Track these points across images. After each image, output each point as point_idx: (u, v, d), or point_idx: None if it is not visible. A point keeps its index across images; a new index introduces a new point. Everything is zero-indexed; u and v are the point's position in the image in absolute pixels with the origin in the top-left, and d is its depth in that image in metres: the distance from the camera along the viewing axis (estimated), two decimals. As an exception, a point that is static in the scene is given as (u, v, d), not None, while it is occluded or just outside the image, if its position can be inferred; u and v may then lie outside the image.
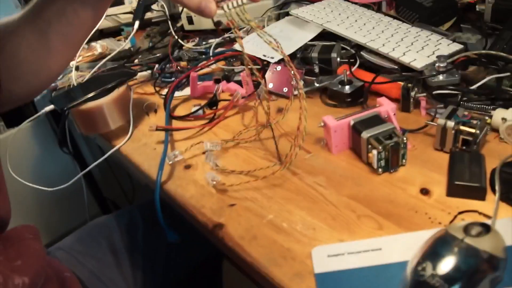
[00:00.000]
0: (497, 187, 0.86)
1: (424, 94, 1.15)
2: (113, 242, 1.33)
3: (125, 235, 1.35)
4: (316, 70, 1.38)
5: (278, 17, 1.78)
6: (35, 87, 1.09)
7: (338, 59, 1.36)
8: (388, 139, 0.97)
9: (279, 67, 1.38)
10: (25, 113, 1.82)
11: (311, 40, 1.49)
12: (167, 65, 1.62)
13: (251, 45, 1.53)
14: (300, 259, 0.83)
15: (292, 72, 0.99)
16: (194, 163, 1.15)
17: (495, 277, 0.69)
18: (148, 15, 2.09)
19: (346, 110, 1.21)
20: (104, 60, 1.68)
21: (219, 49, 1.65)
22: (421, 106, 1.16)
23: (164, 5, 1.92)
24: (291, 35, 1.53)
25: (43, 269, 0.94)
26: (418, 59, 1.22)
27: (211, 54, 1.62)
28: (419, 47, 1.27)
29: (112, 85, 1.31)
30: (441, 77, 1.14)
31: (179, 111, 1.39)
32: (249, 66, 1.03)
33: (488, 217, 0.84)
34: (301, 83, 1.06)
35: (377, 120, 1.03)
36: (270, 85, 1.36)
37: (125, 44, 1.69)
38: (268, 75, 1.38)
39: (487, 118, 1.04)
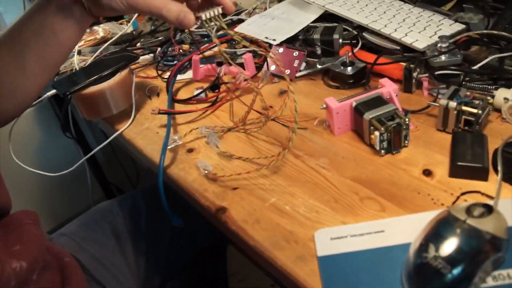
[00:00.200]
0: (499, 168, 0.86)
1: (426, 74, 1.15)
2: (116, 227, 1.33)
3: (128, 219, 1.35)
4: (318, 51, 1.38)
5: (280, -1, 1.78)
6: (10, 111, 1.07)
7: (340, 40, 1.36)
8: (390, 120, 0.97)
9: (281, 49, 1.38)
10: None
11: (313, 22, 1.48)
12: (169, 48, 1.61)
13: (253, 27, 1.53)
14: (303, 242, 0.84)
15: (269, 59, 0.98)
16: (196, 146, 1.15)
17: (497, 258, 0.69)
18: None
19: (349, 92, 1.21)
20: (106, 44, 1.68)
21: (221, 32, 1.65)
22: (423, 86, 1.15)
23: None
24: (293, 17, 1.53)
25: (42, 255, 0.94)
26: (420, 40, 1.21)
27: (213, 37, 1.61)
28: (421, 28, 1.26)
29: (114, 69, 1.31)
30: (443, 57, 1.14)
31: (182, 95, 1.39)
32: (229, 62, 1.04)
33: (491, 197, 0.84)
34: (288, 71, 1.05)
35: (379, 101, 1.02)
36: (272, 67, 1.36)
37: (127, 28, 1.69)
38: (270, 57, 1.38)
39: (489, 98, 1.03)
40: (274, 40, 1.43)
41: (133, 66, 1.53)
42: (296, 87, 1.27)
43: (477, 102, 0.97)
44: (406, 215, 0.84)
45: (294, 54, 1.34)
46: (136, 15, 1.63)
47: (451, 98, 0.99)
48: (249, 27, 1.53)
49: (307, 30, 1.44)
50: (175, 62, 1.54)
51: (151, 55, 1.62)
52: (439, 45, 1.15)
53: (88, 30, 1.85)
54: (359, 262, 0.78)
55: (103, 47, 1.67)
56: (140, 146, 1.20)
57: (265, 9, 1.70)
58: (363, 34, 1.35)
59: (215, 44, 1.52)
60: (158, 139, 1.19)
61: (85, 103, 1.31)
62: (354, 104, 1.04)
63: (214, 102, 1.30)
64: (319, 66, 1.31)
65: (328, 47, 1.37)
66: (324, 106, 1.07)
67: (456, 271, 0.67)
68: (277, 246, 0.84)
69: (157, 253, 1.34)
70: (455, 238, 0.69)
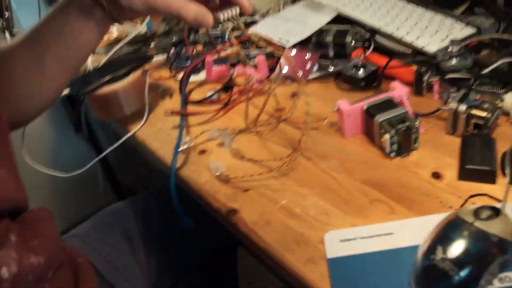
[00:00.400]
0: (507, 171, 0.87)
1: (437, 78, 1.15)
2: (128, 229, 1.33)
3: (140, 221, 1.35)
4: (331, 54, 1.39)
5: (294, 1, 1.78)
6: (28, 113, 1.08)
7: (353, 43, 1.37)
8: (401, 123, 0.98)
9: (294, 51, 1.39)
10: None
11: (326, 24, 1.49)
12: (183, 49, 1.62)
13: (267, 29, 1.54)
14: (312, 244, 0.85)
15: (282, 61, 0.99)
16: (208, 148, 1.16)
17: (504, 260, 0.70)
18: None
19: (360, 94, 1.22)
20: (120, 44, 1.68)
21: (235, 33, 1.66)
22: (434, 90, 1.16)
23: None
24: (306, 19, 1.54)
25: (58, 252, 0.94)
26: (431, 43, 1.22)
27: (226, 38, 1.63)
28: (433, 31, 1.27)
29: (128, 69, 1.32)
30: (454, 61, 1.15)
31: (195, 96, 1.40)
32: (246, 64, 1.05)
33: (499, 200, 0.84)
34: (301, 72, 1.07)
35: (390, 104, 1.04)
36: (285, 69, 1.37)
37: (141, 28, 1.70)
38: (283, 59, 1.39)
39: (498, 101, 1.04)
40: (287, 41, 1.44)
41: (146, 67, 1.53)
42: (308, 89, 1.28)
43: (486, 105, 0.98)
44: (415, 218, 0.85)
45: (307, 56, 1.35)
46: (150, 15, 1.64)
47: (460, 101, 0.99)
48: (262, 29, 1.54)
49: (319, 32, 1.45)
50: (188, 63, 1.55)
51: (165, 55, 1.63)
52: (450, 49, 1.15)
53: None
54: (368, 264, 0.79)
55: (117, 47, 1.67)
56: (153, 148, 1.21)
57: (279, 10, 1.71)
58: (375, 37, 1.36)
59: (229, 45, 1.54)
60: (171, 140, 1.19)
61: (98, 104, 1.33)
62: (365, 106, 1.05)
63: (227, 103, 1.31)
64: (331, 69, 1.32)
65: (340, 49, 1.37)
66: (336, 108, 1.08)
67: (463, 273, 0.68)
68: (287, 248, 0.85)
69: (168, 255, 1.34)
70: (463, 240, 0.70)
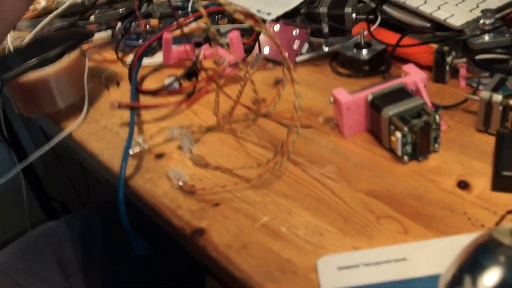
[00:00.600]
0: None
1: (464, 59, 1.15)
2: (63, 256, 1.32)
3: (78, 246, 1.35)
4: (325, 29, 1.39)
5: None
6: None
7: (354, 15, 1.37)
8: (416, 118, 0.97)
9: (277, 26, 1.39)
10: None
11: (319, -10, 1.49)
12: (133, 24, 1.62)
13: (242, -3, 1.54)
14: (302, 272, 0.85)
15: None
16: (167, 151, 1.16)
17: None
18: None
19: (363, 81, 1.23)
20: (50, 17, 1.65)
21: (203, 2, 1.66)
22: (459, 75, 1.16)
23: None
24: (293, -16, 1.55)
25: None
26: (457, 15, 1.22)
27: (189, 9, 1.63)
28: (459, -1, 1.28)
29: (61, 50, 1.31)
30: (486, 37, 1.15)
31: (149, 84, 1.41)
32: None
33: (544, 218, 0.85)
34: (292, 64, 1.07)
35: (402, 93, 1.04)
36: (266, 49, 1.38)
37: (78, -5, 1.70)
38: (263, 36, 1.39)
39: (545, 90, 1.05)
40: (268, 14, 1.44)
41: (85, 46, 1.54)
42: (297, 75, 1.28)
43: (530, 94, 0.98)
44: (434, 239, 0.85)
45: (294, 32, 1.36)
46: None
47: (495, 89, 1.00)
48: (237, -3, 1.55)
49: (311, 1, 1.45)
50: (140, 41, 1.55)
51: (109, 32, 1.63)
52: (481, 21, 1.15)
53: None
54: (374, 299, 0.80)
55: (46, 20, 1.64)
56: (95, 151, 1.21)
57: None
58: (383, 7, 1.36)
59: (191, 19, 1.53)
60: (118, 142, 1.20)
61: (22, 94, 1.32)
62: (370, 97, 1.05)
63: (191, 94, 1.31)
64: (326, 49, 1.32)
65: (337, 23, 1.38)
66: (332, 99, 1.08)
67: (499, 310, 0.68)
68: (270, 278, 0.85)
69: (116, 288, 1.34)
70: (498, 268, 0.70)
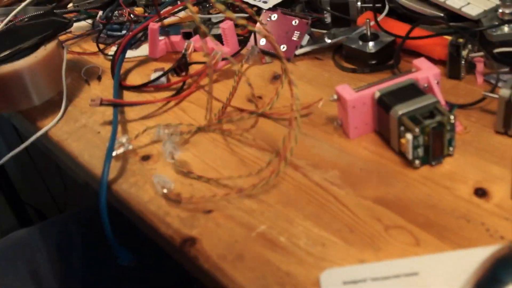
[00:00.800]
0: None
1: (482, 53, 1.15)
2: (37, 266, 1.32)
3: (55, 255, 1.34)
4: (328, 19, 1.39)
5: None
6: None
7: (359, 3, 1.37)
8: (429, 118, 0.97)
9: (275, 16, 1.39)
10: None
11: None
12: (116, 12, 1.61)
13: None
14: (303, 286, 0.84)
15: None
16: (154, 152, 1.16)
17: None
18: None
19: (370, 77, 1.23)
20: (23, 4, 1.66)
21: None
22: (476, 70, 1.16)
23: None
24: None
25: None
26: (473, 3, 1.22)
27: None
28: (476, -14, 1.27)
29: (36, 40, 1.31)
30: (506, 28, 1.15)
31: (133, 79, 1.41)
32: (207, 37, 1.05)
33: None
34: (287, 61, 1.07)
35: (413, 90, 1.03)
36: (262, 41, 1.37)
37: (54, -19, 1.69)
38: (259, 26, 1.38)
39: None
40: (265, 2, 1.44)
41: (63, 37, 1.53)
42: (296, 70, 1.29)
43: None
44: (449, 252, 0.85)
45: (293, 23, 1.36)
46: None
47: (516, 87, 1.00)
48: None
49: (312, -12, 1.45)
50: (123, 32, 1.55)
51: (89, 21, 1.63)
52: (500, 10, 1.15)
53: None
54: (382, 316, 0.79)
55: (19, 7, 1.64)
56: (74, 151, 1.20)
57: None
58: (392, -6, 1.36)
59: (181, 7, 1.53)
60: (100, 142, 1.20)
61: (-7, 90, 1.32)
62: (377, 94, 1.05)
63: (180, 90, 1.30)
64: (328, 40, 1.32)
65: (341, 13, 1.38)
66: (335, 97, 1.08)
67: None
68: (267, 292, 0.85)
69: (97, 303, 1.33)
70: (520, 284, 0.71)
